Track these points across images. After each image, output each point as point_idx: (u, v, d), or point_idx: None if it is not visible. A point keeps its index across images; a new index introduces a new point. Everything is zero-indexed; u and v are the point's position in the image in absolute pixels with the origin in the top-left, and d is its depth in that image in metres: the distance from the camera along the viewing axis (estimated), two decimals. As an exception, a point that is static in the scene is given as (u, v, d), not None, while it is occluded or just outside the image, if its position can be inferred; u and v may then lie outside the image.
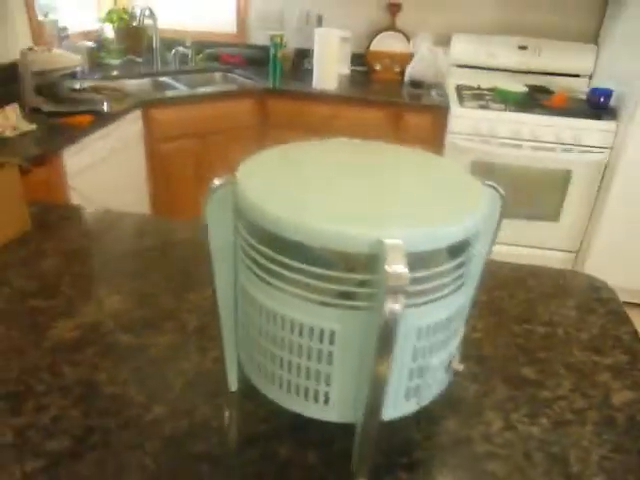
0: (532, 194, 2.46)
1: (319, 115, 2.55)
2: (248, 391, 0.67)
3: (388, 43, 2.86)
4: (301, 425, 0.69)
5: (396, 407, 0.62)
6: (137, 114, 2.26)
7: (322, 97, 2.58)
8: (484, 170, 2.44)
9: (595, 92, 2.40)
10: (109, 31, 2.90)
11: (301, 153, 0.69)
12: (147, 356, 0.82)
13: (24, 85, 1.97)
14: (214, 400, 0.74)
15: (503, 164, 2.41)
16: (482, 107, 2.39)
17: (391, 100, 2.53)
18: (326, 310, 0.55)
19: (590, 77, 2.67)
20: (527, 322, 0.95)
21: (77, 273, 1.01)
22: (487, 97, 2.50)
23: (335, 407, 0.60)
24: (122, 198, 2.17)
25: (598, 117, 2.31)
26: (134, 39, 2.91)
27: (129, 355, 0.82)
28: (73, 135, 1.83)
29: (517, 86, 2.51)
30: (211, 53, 3.04)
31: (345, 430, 0.61)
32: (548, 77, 2.68)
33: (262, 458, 0.66)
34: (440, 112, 2.46)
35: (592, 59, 2.64)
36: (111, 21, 2.89)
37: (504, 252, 2.13)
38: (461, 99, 2.47)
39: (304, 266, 0.53)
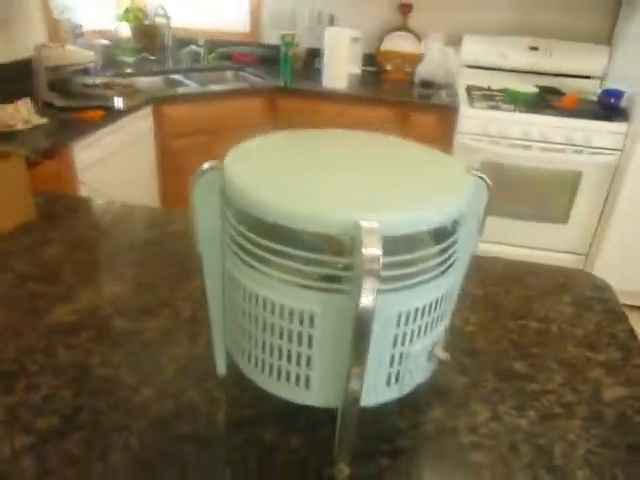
0: (541, 195, 2.44)
1: (328, 114, 2.56)
2: (236, 377, 0.67)
3: (399, 43, 2.86)
4: (286, 410, 0.70)
5: (377, 393, 0.62)
6: (148, 110, 2.29)
7: (332, 96, 2.59)
8: (493, 170, 2.43)
9: (606, 93, 2.37)
10: (125, 30, 2.94)
11: (289, 141, 0.70)
12: (140, 341, 0.83)
13: (37, 80, 2.01)
14: (203, 385, 0.75)
15: (512, 165, 2.40)
16: (492, 108, 2.38)
17: (400, 100, 2.53)
18: (306, 293, 0.56)
19: (602, 79, 2.65)
20: (522, 318, 0.95)
21: (78, 261, 1.03)
22: (497, 98, 2.49)
23: (316, 391, 0.61)
24: (131, 192, 2.19)
25: (609, 118, 2.28)
26: (148, 38, 2.94)
27: (123, 339, 0.83)
28: (84, 129, 1.86)
29: (527, 87, 2.49)
30: (223, 52, 3.07)
31: (330, 416, 0.61)
32: (559, 78, 2.66)
33: (246, 442, 0.67)
34: (449, 112, 2.45)
35: (604, 60, 2.61)
36: (127, 20, 2.93)
37: (511, 253, 2.13)
38: (471, 99, 2.46)
39: (284, 248, 0.54)
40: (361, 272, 0.50)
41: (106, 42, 2.73)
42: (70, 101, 2.00)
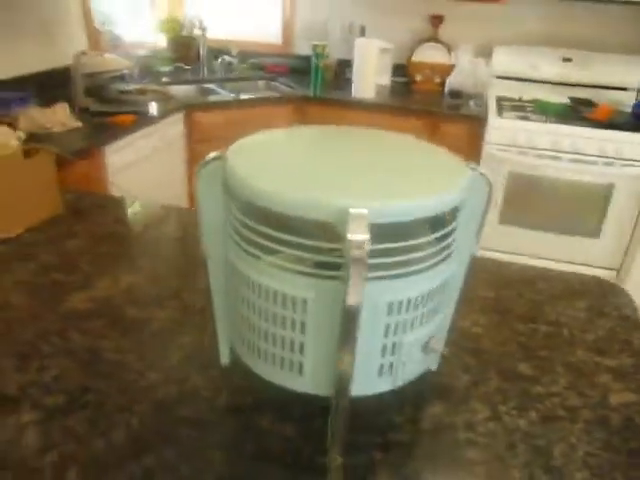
0: (571, 208, 2.39)
1: (356, 123, 2.57)
2: (239, 367, 0.69)
3: (429, 54, 2.87)
4: (284, 400, 0.71)
5: (369, 383, 0.62)
6: (180, 116, 2.36)
7: (360, 106, 2.61)
8: (521, 182, 2.39)
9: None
10: (162, 40, 3.05)
11: (290, 136, 0.72)
12: (150, 329, 0.86)
13: (75, 86, 2.10)
14: (206, 373, 0.77)
15: (541, 176, 2.36)
16: (521, 118, 2.35)
17: (429, 110, 2.53)
18: (300, 279, 0.57)
19: (638, 90, 2.58)
20: (532, 321, 0.93)
21: (98, 253, 1.07)
22: (528, 109, 2.46)
23: (309, 378, 0.62)
24: (161, 195, 2.25)
25: (643, 130, 2.23)
26: (184, 48, 3.03)
27: (134, 327, 0.86)
28: (116, 133, 1.93)
29: (559, 98, 2.46)
30: (256, 62, 3.14)
31: (325, 408, 0.62)
32: (593, 90, 2.61)
33: (243, 427, 0.69)
34: (477, 122, 2.43)
35: (641, 72, 2.56)
36: (164, 31, 3.03)
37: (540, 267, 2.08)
38: (500, 110, 2.44)
39: (277, 234, 0.56)
40: (348, 257, 0.51)
41: (143, 52, 2.83)
42: (105, 106, 2.08)
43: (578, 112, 2.40)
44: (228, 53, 3.05)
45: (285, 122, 2.69)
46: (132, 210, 1.32)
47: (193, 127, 2.43)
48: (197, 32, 3.01)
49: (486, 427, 0.70)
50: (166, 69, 2.93)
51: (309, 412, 0.70)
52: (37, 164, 1.17)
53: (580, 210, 2.40)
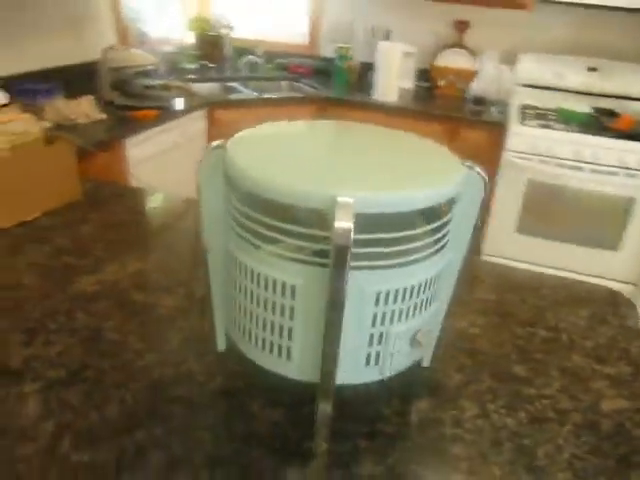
0: (591, 219, 2.36)
1: (376, 126, 2.58)
2: (235, 354, 0.70)
3: (453, 59, 2.86)
4: (275, 387, 0.72)
5: (356, 372, 0.64)
6: (202, 113, 2.40)
7: (381, 109, 2.62)
8: (541, 190, 2.37)
9: (667, 117, 2.28)
10: (189, 38, 3.10)
11: (292, 128, 0.74)
12: (154, 313, 0.88)
13: (102, 80, 2.16)
14: (203, 358, 0.79)
15: (561, 186, 2.33)
16: (543, 126, 2.33)
17: (449, 115, 2.52)
18: (289, 266, 0.59)
19: (667, 102, 2.54)
20: (531, 325, 0.93)
21: (110, 239, 1.10)
22: (550, 117, 2.44)
23: (297, 364, 0.63)
24: (180, 189, 2.29)
25: (668, 143, 2.19)
26: (211, 46, 3.09)
27: (138, 311, 0.89)
28: (138, 127, 1.98)
29: (582, 107, 2.43)
30: (281, 63, 3.17)
31: (315, 395, 0.63)
32: (617, 100, 2.57)
33: (233, 409, 0.70)
34: (499, 129, 2.42)
35: (669, 84, 2.51)
36: (193, 29, 3.09)
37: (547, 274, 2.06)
38: (522, 117, 2.42)
39: (269, 220, 0.57)
40: (332, 245, 0.52)
41: (170, 49, 2.89)
42: (129, 100, 2.13)
43: (600, 122, 2.37)
44: (253, 53, 3.09)
45: (306, 122, 2.71)
46: (150, 201, 1.35)
47: (214, 124, 2.47)
48: (224, 31, 3.06)
49: (473, 424, 0.71)
50: (192, 66, 2.98)
51: (299, 399, 0.72)
52: (57, 152, 1.22)
53: (600, 222, 2.36)
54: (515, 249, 2.49)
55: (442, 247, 0.63)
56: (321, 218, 0.57)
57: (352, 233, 0.51)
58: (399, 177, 0.60)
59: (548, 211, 2.40)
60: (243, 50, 3.12)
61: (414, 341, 0.65)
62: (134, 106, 2.09)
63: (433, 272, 0.63)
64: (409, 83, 2.95)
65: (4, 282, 0.93)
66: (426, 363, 0.80)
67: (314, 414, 0.63)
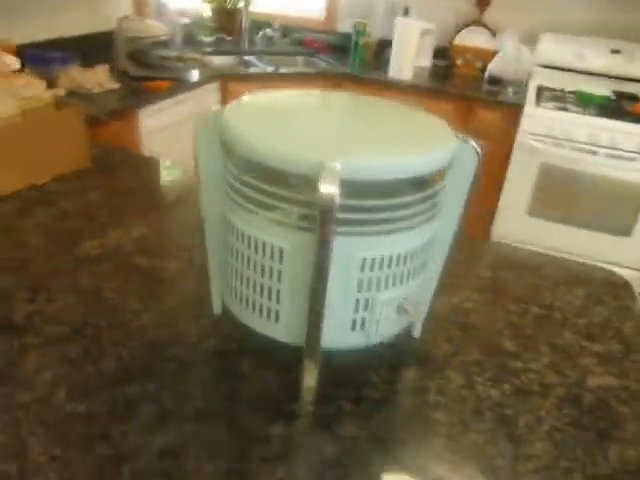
0: (604, 205, 2.33)
1: (390, 103, 2.56)
2: (230, 318, 0.72)
3: (472, 38, 2.81)
4: (266, 350, 0.74)
5: (342, 336, 0.65)
6: (216, 85, 2.40)
7: (395, 86, 2.59)
8: (554, 174, 2.34)
9: (689, 102, 2.22)
10: (205, 10, 3.09)
11: (288, 98, 0.74)
12: (153, 277, 0.91)
13: (117, 49, 2.17)
14: (198, 320, 0.81)
15: (575, 170, 2.30)
16: (559, 108, 2.30)
17: (463, 94, 2.49)
18: (278, 229, 0.60)
19: (690, 87, 2.48)
20: (526, 302, 0.94)
21: (117, 205, 1.13)
22: (568, 99, 2.39)
23: (284, 326, 0.65)
24: (191, 160, 2.31)
25: (688, 129, 2.14)
26: (227, 19, 3.07)
27: (138, 273, 0.91)
28: (151, 97, 1.99)
29: (603, 91, 2.38)
30: (297, 37, 3.15)
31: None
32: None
33: (224, 369, 0.73)
34: (514, 110, 2.39)
35: (694, 68, 2.44)
36: (209, 1, 3.07)
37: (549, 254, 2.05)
38: (539, 99, 2.38)
39: (261, 184, 0.59)
40: (317, 209, 0.53)
41: (187, 21, 2.88)
42: (143, 71, 2.14)
43: (620, 106, 2.32)
44: (270, 27, 3.07)
45: (320, 98, 2.70)
46: (158, 169, 1.37)
47: (228, 96, 2.47)
48: (241, 4, 3.04)
49: (458, 393, 0.72)
50: (208, 39, 2.98)
51: (288, 362, 0.73)
52: (67, 118, 1.24)
53: (613, 207, 2.33)
54: (525, 232, 2.48)
55: (430, 218, 0.64)
56: (310, 184, 0.58)
57: (337, 198, 0.52)
58: (388, 146, 0.61)
59: (561, 194, 2.37)
60: (260, 24, 3.09)
61: (401, 309, 0.66)
62: (148, 76, 2.10)
63: (420, 242, 0.64)
64: (426, 61, 2.91)
65: (12, 242, 0.96)
66: (417, 334, 0.81)
67: (301, 377, 0.65)
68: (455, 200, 0.69)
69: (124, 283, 0.88)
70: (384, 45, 2.97)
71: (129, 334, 0.77)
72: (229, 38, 3.02)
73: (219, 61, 2.75)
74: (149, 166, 1.38)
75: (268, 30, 3.04)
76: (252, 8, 3.09)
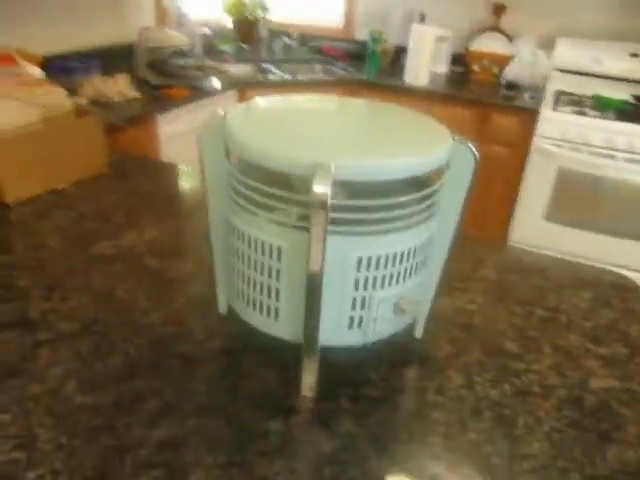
0: (622, 209, 2.30)
1: (406, 109, 2.57)
2: (234, 316, 0.74)
3: (489, 44, 2.81)
4: (269, 349, 0.76)
5: (339, 334, 0.67)
6: (233, 93, 2.45)
7: (410, 92, 2.60)
8: (572, 178, 2.32)
9: None
10: (226, 20, 3.15)
11: (290, 102, 0.77)
12: (164, 277, 0.93)
13: (138, 59, 2.23)
14: (205, 319, 0.84)
15: (592, 174, 2.28)
16: (577, 113, 2.28)
17: (479, 100, 2.49)
18: (276, 229, 0.62)
19: None
20: (531, 305, 0.94)
21: (131, 208, 1.16)
22: (586, 104, 2.37)
23: (284, 324, 0.67)
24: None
25: None
26: (247, 29, 3.12)
27: (149, 273, 0.94)
28: (170, 105, 2.04)
29: (622, 95, 2.35)
30: (315, 46, 3.18)
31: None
32: (661, 88, 2.48)
33: (227, 367, 0.75)
34: (530, 115, 2.38)
35: None
36: (229, 12, 3.13)
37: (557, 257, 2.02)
38: (555, 103, 2.37)
39: (260, 185, 0.61)
40: (311, 208, 0.55)
41: (207, 31, 2.94)
42: (163, 79, 2.19)
43: (639, 110, 2.29)
44: (288, 35, 3.11)
45: (336, 105, 2.72)
46: (173, 174, 1.41)
47: (245, 104, 2.51)
48: (260, 14, 3.09)
49: (457, 393, 0.73)
50: (227, 48, 3.03)
51: (290, 361, 0.75)
52: (86, 126, 1.28)
53: (632, 212, 2.30)
54: (543, 237, 2.45)
55: (427, 218, 0.65)
56: (306, 184, 0.59)
57: (329, 197, 0.54)
58: (383, 147, 0.62)
59: (578, 199, 2.35)
60: (278, 33, 3.14)
61: (398, 308, 0.67)
62: (167, 85, 2.15)
63: (417, 241, 0.65)
64: (443, 67, 2.92)
65: (31, 243, 1.00)
66: (418, 334, 0.82)
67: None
68: (453, 201, 0.70)
69: (135, 283, 0.91)
70: (401, 52, 2.99)
71: (138, 331, 0.80)
72: (248, 47, 3.07)
73: (238, 70, 2.80)
74: (165, 171, 1.42)
75: (286, 39, 3.08)
76: (271, 17, 3.15)
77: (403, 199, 0.60)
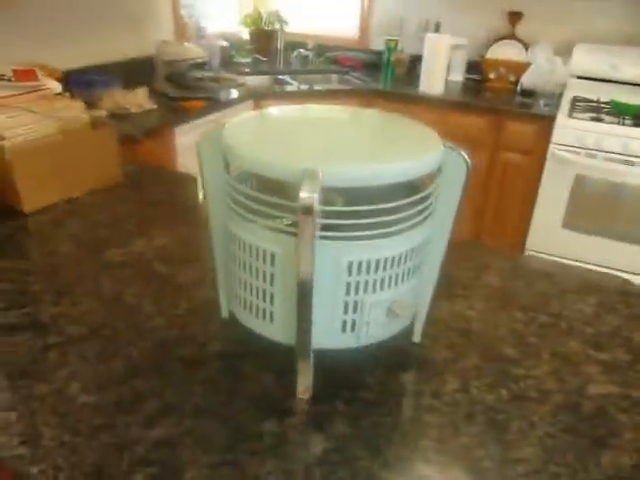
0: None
1: (421, 118, 2.56)
2: (235, 321, 0.76)
3: (505, 51, 2.80)
4: (268, 353, 0.77)
5: (333, 338, 0.68)
6: (249, 104, 2.49)
7: (426, 101, 2.61)
8: (589, 185, 2.29)
9: None
10: (243, 33, 3.21)
11: (287, 112, 0.79)
12: (170, 282, 0.96)
13: (156, 72, 2.29)
14: (207, 323, 0.86)
15: (610, 181, 2.25)
16: (593, 119, 2.26)
17: (494, 107, 2.48)
18: (270, 235, 0.64)
19: None
20: (534, 311, 0.94)
21: (144, 216, 1.20)
22: (603, 109, 2.35)
23: (279, 326, 0.69)
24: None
25: None
26: (264, 41, 3.18)
27: (157, 279, 0.97)
28: (187, 116, 2.09)
29: (638, 100, 2.32)
30: (331, 56, 3.22)
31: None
32: (680, 93, 2.43)
33: (226, 370, 0.77)
34: (546, 122, 2.36)
35: None
36: (246, 24, 3.19)
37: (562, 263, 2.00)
38: (572, 110, 2.35)
39: (247, 190, 0.63)
40: (299, 214, 0.57)
41: (225, 43, 3.00)
42: (181, 92, 2.25)
43: (658, 115, 2.26)
44: (304, 46, 3.15)
45: (351, 114, 2.75)
46: (187, 184, 1.44)
47: (261, 115, 2.56)
48: (277, 26, 3.14)
49: (452, 397, 0.74)
50: (245, 60, 3.09)
51: (288, 364, 0.76)
52: (102, 137, 1.33)
53: (653, 220, 2.26)
54: (560, 245, 2.43)
55: (417, 224, 0.66)
56: (296, 191, 0.61)
57: (316, 203, 0.56)
58: (372, 153, 0.64)
59: (596, 206, 2.32)
60: (295, 44, 3.19)
61: (391, 312, 0.68)
62: (185, 97, 2.21)
63: (408, 246, 0.66)
64: (459, 76, 2.92)
65: (45, 250, 1.04)
66: (417, 338, 0.83)
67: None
68: (447, 207, 0.71)
69: (143, 288, 0.94)
70: (416, 61, 3.00)
71: (142, 335, 0.82)
72: (265, 59, 3.13)
73: (255, 81, 2.85)
74: (179, 181, 1.45)
75: (302, 50, 3.12)
76: (287, 29, 3.19)
77: (391, 205, 0.62)
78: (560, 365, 0.81)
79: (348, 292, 0.65)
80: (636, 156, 2.18)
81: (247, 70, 2.94)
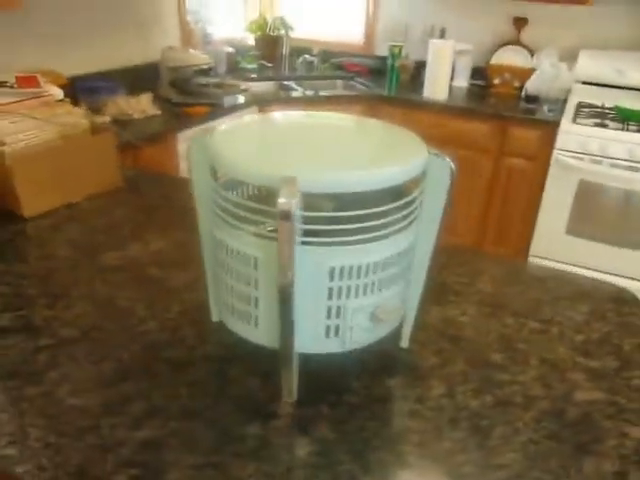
0: (647, 223, 2.24)
1: (425, 124, 2.58)
2: (225, 325, 0.77)
3: (509, 57, 2.80)
4: (255, 357, 0.78)
5: (317, 342, 0.69)
6: (254, 110, 2.51)
7: (429, 107, 2.61)
8: (593, 191, 2.28)
9: None
10: (249, 39, 3.24)
11: (274, 119, 0.80)
12: (163, 286, 0.97)
13: (161, 78, 2.31)
14: (197, 326, 0.87)
15: (614, 187, 2.24)
16: (598, 125, 2.25)
17: (498, 113, 2.48)
18: (252, 239, 0.65)
19: None
20: (525, 317, 0.94)
21: (141, 221, 1.21)
22: (607, 115, 2.34)
23: (263, 331, 0.69)
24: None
25: None
26: (269, 47, 3.20)
27: (150, 283, 0.98)
28: (189, 122, 2.11)
29: (644, 106, 2.31)
30: (336, 62, 3.23)
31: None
32: (686, 98, 2.42)
33: (213, 373, 0.78)
34: (551, 128, 2.35)
35: None
36: (252, 31, 3.22)
37: (557, 269, 1.98)
38: (576, 115, 2.34)
39: (234, 197, 0.64)
40: (277, 219, 0.58)
41: (231, 49, 3.02)
42: (185, 98, 2.27)
43: (663, 121, 2.24)
44: (310, 52, 3.17)
45: (355, 120, 2.76)
46: (185, 188, 1.46)
47: (265, 120, 2.57)
48: (282, 32, 3.16)
49: (436, 402, 0.74)
50: (251, 66, 3.11)
51: (274, 369, 0.77)
52: (101, 143, 1.35)
53: (658, 226, 2.24)
54: (564, 251, 2.41)
55: (400, 230, 0.67)
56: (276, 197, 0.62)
57: (295, 208, 0.56)
58: (353, 160, 0.64)
59: (600, 213, 2.31)
60: (300, 50, 3.21)
61: (374, 317, 0.69)
62: (188, 103, 2.23)
63: (390, 252, 0.66)
64: (463, 81, 2.92)
65: (42, 254, 1.06)
66: (404, 344, 0.83)
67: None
68: (431, 213, 0.71)
69: (135, 291, 0.95)
70: (421, 67, 3.00)
71: (133, 337, 0.84)
72: (271, 65, 3.15)
73: (261, 87, 2.86)
74: (177, 186, 1.47)
75: (308, 56, 3.14)
76: (293, 35, 3.21)
77: (375, 210, 0.62)
78: (547, 371, 0.81)
79: (330, 297, 0.66)
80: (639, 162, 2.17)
81: (253, 76, 2.97)
